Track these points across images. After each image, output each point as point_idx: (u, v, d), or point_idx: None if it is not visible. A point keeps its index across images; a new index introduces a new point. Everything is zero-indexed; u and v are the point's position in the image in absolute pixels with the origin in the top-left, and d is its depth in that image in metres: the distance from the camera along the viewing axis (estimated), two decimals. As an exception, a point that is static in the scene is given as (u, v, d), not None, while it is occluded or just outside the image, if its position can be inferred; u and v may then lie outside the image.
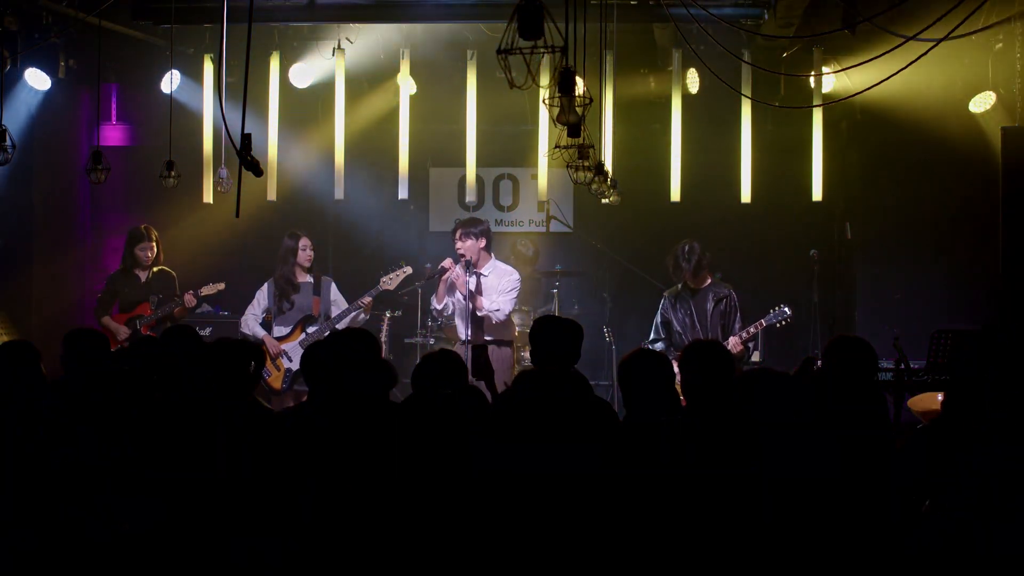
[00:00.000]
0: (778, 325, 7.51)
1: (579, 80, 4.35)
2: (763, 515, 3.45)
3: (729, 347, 7.28)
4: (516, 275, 7.91)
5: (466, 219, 7.96)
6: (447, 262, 7.74)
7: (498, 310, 7.67)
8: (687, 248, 7.54)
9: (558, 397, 4.30)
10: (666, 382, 4.18)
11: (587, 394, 4.51)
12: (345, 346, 4.51)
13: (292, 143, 9.23)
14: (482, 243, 7.77)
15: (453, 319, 7.90)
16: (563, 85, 4.26)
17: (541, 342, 4.75)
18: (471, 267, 7.68)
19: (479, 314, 7.64)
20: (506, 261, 8.71)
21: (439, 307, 7.83)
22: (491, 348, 7.43)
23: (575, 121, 4.49)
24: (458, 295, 7.75)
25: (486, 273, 7.79)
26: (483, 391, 4.45)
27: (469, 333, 7.64)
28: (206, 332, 8.51)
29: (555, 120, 4.46)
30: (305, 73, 8.86)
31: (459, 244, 7.71)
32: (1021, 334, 3.94)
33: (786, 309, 7.41)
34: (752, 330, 7.41)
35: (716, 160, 9.15)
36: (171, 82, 8.13)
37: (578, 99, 4.42)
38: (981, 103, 8.28)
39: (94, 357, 5.17)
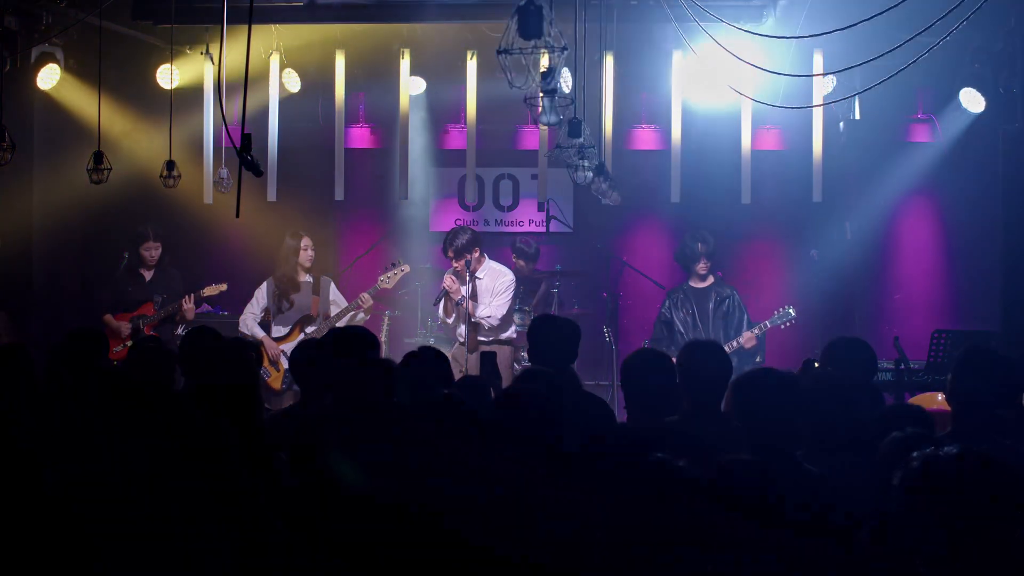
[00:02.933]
0: (783, 326, 7.52)
1: (561, 79, 4.35)
2: (762, 514, 3.45)
3: (742, 341, 7.34)
4: (510, 276, 7.94)
5: (452, 235, 7.84)
6: (447, 281, 7.75)
7: (490, 316, 7.72)
8: (701, 234, 7.58)
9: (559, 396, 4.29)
10: (669, 381, 4.18)
11: (578, 392, 4.51)
12: (340, 345, 4.51)
13: (292, 143, 9.22)
14: (476, 253, 7.77)
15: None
16: (545, 85, 4.26)
17: (539, 341, 4.77)
18: (467, 270, 7.73)
19: (472, 320, 7.67)
20: (507, 259, 8.72)
21: (449, 320, 7.87)
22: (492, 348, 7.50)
23: (555, 123, 4.50)
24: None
25: (480, 276, 7.84)
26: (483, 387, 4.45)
27: (467, 335, 7.67)
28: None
29: (536, 120, 4.46)
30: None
31: (456, 264, 7.71)
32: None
33: (790, 311, 7.42)
34: (757, 331, 7.42)
35: (716, 160, 9.15)
36: (169, 77, 8.15)
37: (559, 99, 4.42)
38: (974, 101, 8.25)
39: (94, 357, 5.18)
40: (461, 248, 7.70)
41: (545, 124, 4.54)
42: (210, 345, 5.09)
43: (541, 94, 4.34)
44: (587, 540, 3.17)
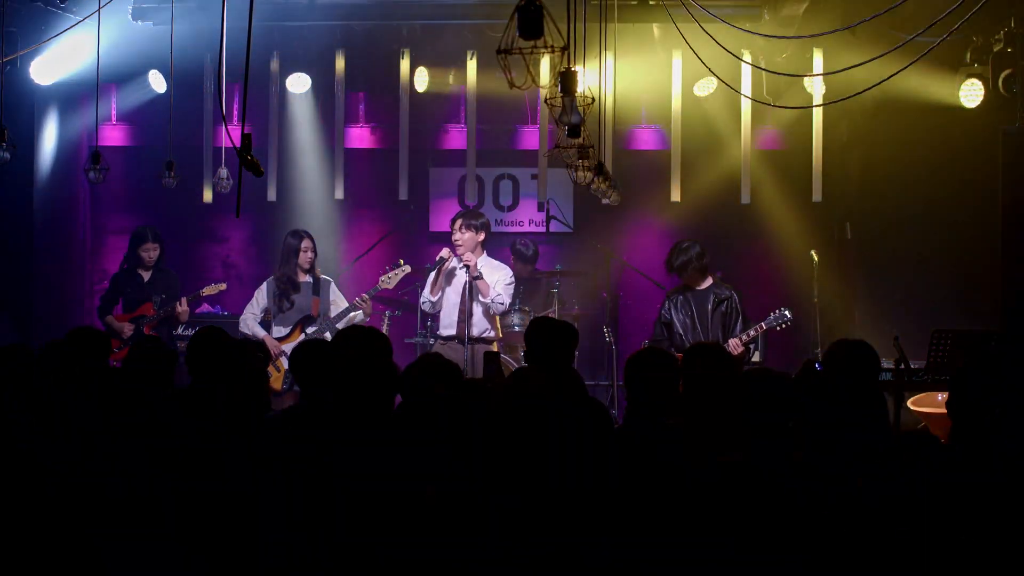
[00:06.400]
0: (778, 328, 7.50)
1: (580, 79, 4.35)
2: (762, 514, 3.45)
3: (729, 348, 7.27)
4: (509, 270, 7.98)
5: (468, 211, 8.02)
6: (445, 251, 7.80)
7: (499, 294, 7.75)
8: (684, 246, 7.54)
9: (553, 397, 4.30)
10: (673, 382, 4.18)
11: (583, 394, 4.51)
12: (352, 345, 4.51)
13: (292, 143, 9.22)
14: (480, 237, 7.82)
15: (440, 311, 7.92)
16: (564, 86, 4.26)
17: (536, 343, 4.80)
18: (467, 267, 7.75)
19: (483, 300, 7.68)
20: (505, 260, 8.74)
21: (434, 299, 7.86)
22: (478, 347, 7.55)
23: (577, 122, 4.50)
24: (452, 287, 7.80)
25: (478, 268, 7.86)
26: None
27: (468, 330, 7.70)
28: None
29: (556, 120, 4.47)
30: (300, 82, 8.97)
31: (458, 235, 7.75)
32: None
33: (787, 312, 7.39)
34: (752, 333, 7.40)
35: (716, 160, 9.17)
36: (156, 81, 8.20)
37: (579, 98, 4.42)
38: (971, 96, 8.22)
39: (97, 356, 5.18)
40: (472, 224, 7.79)
41: (566, 124, 4.54)
42: (218, 345, 5.09)
43: (561, 94, 4.33)
44: (588, 542, 3.17)
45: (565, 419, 3.32)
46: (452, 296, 7.84)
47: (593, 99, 4.70)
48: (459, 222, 7.81)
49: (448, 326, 7.85)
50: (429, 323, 8.50)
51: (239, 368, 4.47)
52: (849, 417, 3.93)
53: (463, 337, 7.70)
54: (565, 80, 4.24)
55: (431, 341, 8.29)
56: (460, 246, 7.75)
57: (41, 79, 8.63)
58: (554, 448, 3.25)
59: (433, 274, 7.84)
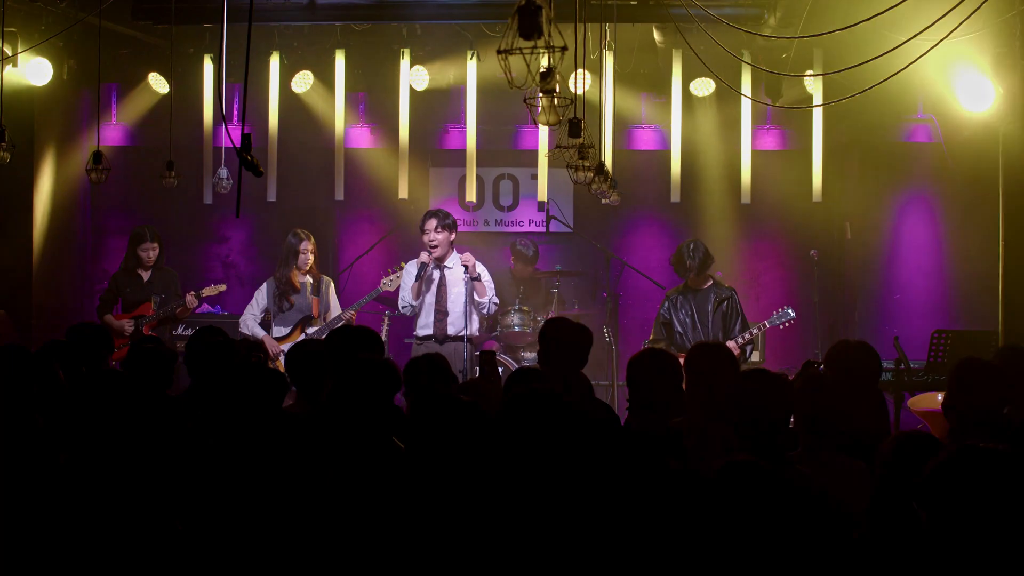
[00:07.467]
0: (781, 327, 7.51)
1: (559, 78, 4.31)
2: (762, 515, 3.45)
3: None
4: (483, 267, 8.04)
5: (437, 210, 8.09)
6: (424, 256, 7.85)
7: (494, 295, 7.84)
8: (692, 246, 7.54)
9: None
10: (675, 382, 4.19)
11: (590, 398, 4.52)
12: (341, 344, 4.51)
13: (292, 143, 9.21)
14: (452, 236, 7.94)
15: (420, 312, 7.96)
16: (543, 85, 4.25)
17: (550, 344, 4.78)
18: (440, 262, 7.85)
19: (479, 299, 7.74)
20: (505, 261, 8.75)
21: (415, 303, 7.90)
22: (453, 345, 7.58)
23: (555, 122, 4.49)
24: (428, 289, 7.84)
25: (450, 265, 7.91)
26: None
27: (470, 329, 7.72)
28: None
29: (535, 120, 4.46)
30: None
31: (434, 236, 7.82)
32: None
33: (790, 311, 7.41)
34: (755, 331, 7.40)
35: (716, 160, 9.17)
36: (156, 82, 8.22)
37: (558, 99, 4.40)
38: (976, 97, 8.20)
39: (98, 353, 5.19)
40: (447, 224, 7.90)
41: (544, 124, 4.54)
42: (217, 345, 5.09)
43: (540, 94, 4.33)
44: (590, 541, 3.17)
45: (565, 419, 3.32)
46: (428, 297, 7.90)
47: (572, 100, 4.68)
48: (434, 222, 7.88)
49: (425, 326, 7.90)
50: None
51: (241, 368, 4.47)
52: (849, 417, 3.93)
53: (440, 336, 7.78)
54: (544, 80, 4.22)
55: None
56: (436, 247, 7.82)
57: (40, 79, 8.62)
58: (554, 448, 3.25)
59: (416, 281, 7.86)
